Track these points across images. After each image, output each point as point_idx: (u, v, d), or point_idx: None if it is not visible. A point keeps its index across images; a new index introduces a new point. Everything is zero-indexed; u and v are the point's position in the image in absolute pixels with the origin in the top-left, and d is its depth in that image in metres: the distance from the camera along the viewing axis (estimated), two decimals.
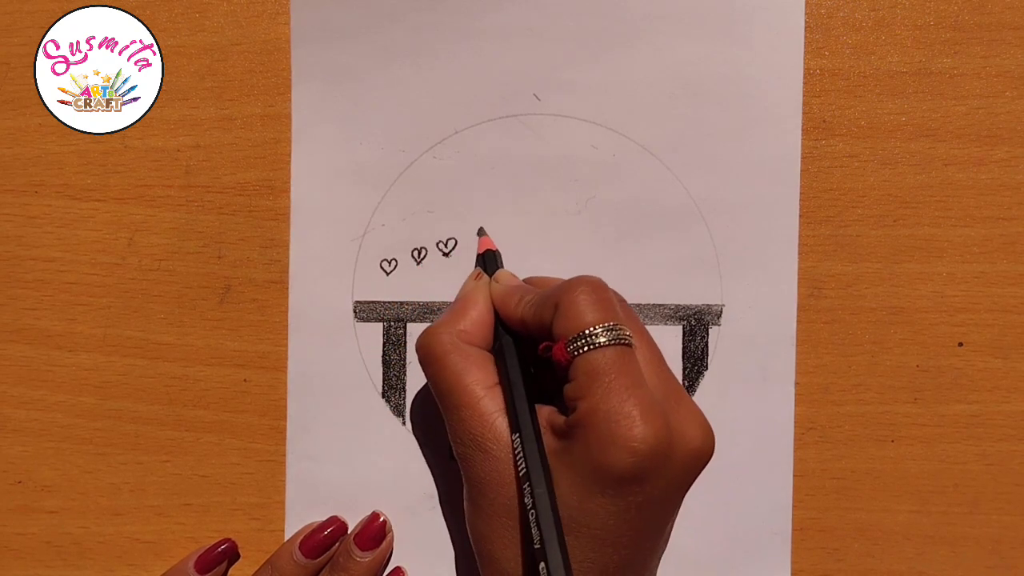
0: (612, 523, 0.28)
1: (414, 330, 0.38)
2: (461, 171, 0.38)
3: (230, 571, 0.38)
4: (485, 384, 0.31)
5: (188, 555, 0.37)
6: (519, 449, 0.29)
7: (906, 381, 0.38)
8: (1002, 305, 0.38)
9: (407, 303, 0.38)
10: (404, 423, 0.38)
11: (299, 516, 0.38)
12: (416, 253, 0.38)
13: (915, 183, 0.38)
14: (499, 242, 0.38)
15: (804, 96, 0.37)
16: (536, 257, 0.38)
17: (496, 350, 0.33)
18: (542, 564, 0.27)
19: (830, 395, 0.38)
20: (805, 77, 0.37)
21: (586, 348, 0.29)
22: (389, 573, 0.38)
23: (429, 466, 0.38)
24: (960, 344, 0.38)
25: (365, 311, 0.38)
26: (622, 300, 0.33)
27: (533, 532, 0.27)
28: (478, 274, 0.35)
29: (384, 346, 0.38)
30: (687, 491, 0.30)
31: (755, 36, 0.37)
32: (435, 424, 0.38)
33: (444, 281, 0.38)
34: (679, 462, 0.29)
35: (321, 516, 0.38)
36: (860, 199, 0.38)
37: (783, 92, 0.37)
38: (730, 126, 0.37)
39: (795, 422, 0.38)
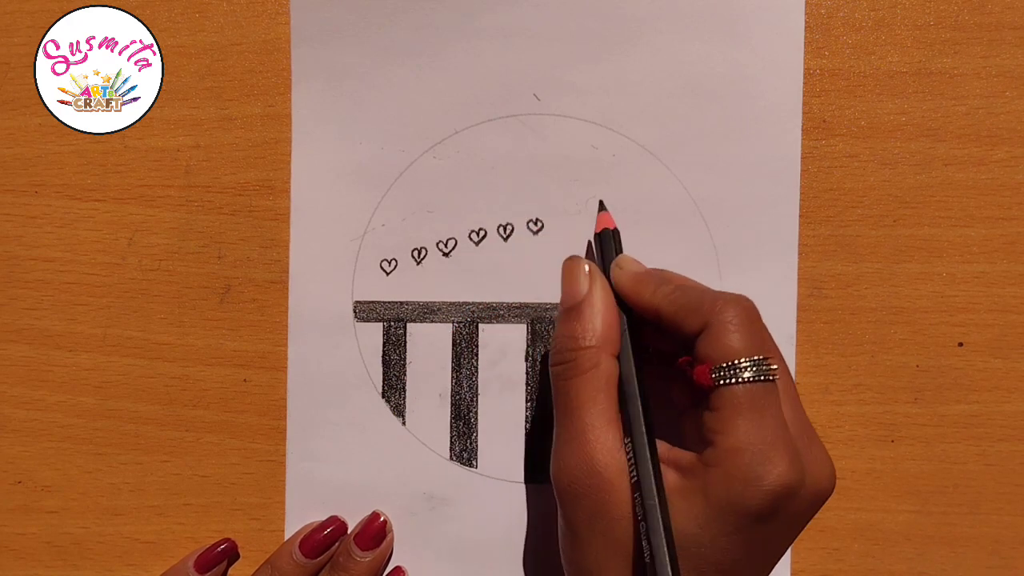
0: (739, 557, 0.28)
1: (414, 330, 0.38)
2: (461, 171, 0.38)
3: (230, 571, 0.38)
4: (608, 416, 0.30)
5: (188, 555, 0.37)
6: (637, 489, 0.29)
7: (906, 381, 0.38)
8: (1002, 305, 0.38)
9: (407, 303, 0.38)
10: (404, 423, 0.38)
11: (299, 516, 0.38)
12: (416, 253, 0.38)
13: (915, 183, 0.38)
14: (500, 243, 0.38)
15: (804, 96, 0.37)
16: (536, 258, 0.38)
17: (624, 373, 0.31)
18: None
19: (830, 395, 0.38)
20: (805, 77, 0.37)
21: (733, 380, 0.28)
22: (389, 573, 0.38)
23: (429, 466, 0.38)
24: (960, 344, 0.38)
25: (365, 311, 0.38)
26: (767, 329, 0.31)
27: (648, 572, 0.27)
28: (591, 270, 0.32)
29: (384, 346, 0.38)
30: (805, 527, 0.30)
31: (755, 36, 0.37)
32: (435, 424, 0.38)
33: (444, 281, 0.38)
34: (807, 501, 0.29)
35: (321, 516, 0.38)
36: (860, 199, 0.38)
37: (783, 92, 0.37)
38: (730, 126, 0.37)
39: None
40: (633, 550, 0.29)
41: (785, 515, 0.28)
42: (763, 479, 0.27)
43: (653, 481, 0.29)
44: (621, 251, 0.34)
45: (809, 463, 0.29)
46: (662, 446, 0.30)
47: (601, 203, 0.36)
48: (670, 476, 0.29)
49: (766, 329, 0.31)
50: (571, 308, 0.32)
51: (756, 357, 0.28)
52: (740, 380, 0.28)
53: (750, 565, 0.29)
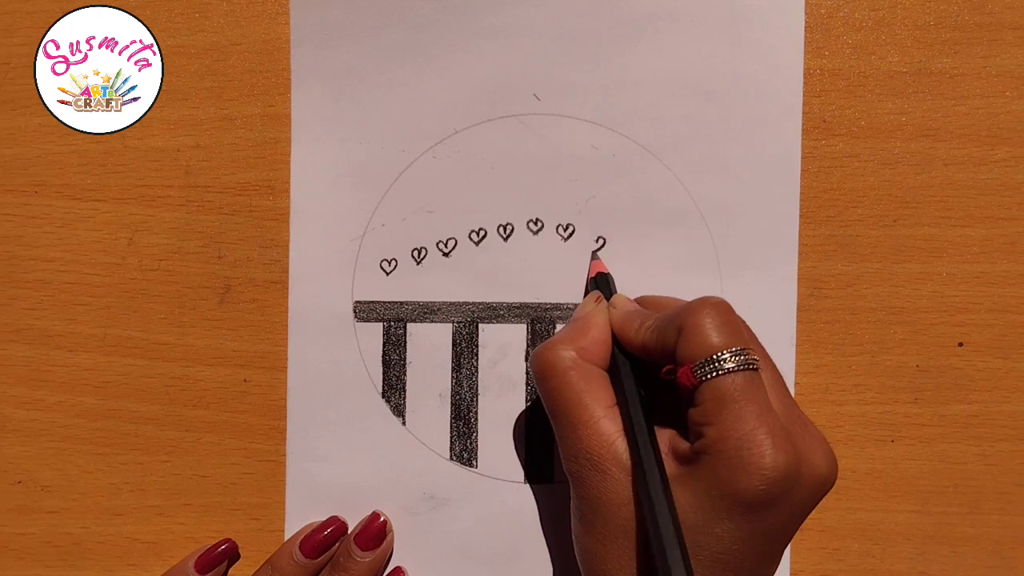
0: (736, 547, 0.28)
1: (414, 330, 0.38)
2: (461, 171, 0.38)
3: (230, 571, 0.38)
4: (605, 404, 0.31)
5: (188, 555, 0.37)
6: (641, 472, 0.29)
7: (906, 381, 0.38)
8: (1002, 305, 0.38)
9: (407, 303, 0.38)
10: (404, 423, 0.38)
11: (299, 516, 0.38)
12: (416, 253, 0.38)
13: (915, 183, 0.38)
14: (500, 243, 0.38)
15: (804, 96, 0.37)
16: (536, 258, 0.38)
17: (613, 372, 0.33)
18: None
19: (830, 395, 0.38)
20: (805, 77, 0.37)
21: (714, 373, 0.28)
22: (389, 573, 0.38)
23: (429, 466, 0.38)
24: (960, 344, 0.38)
25: (365, 311, 0.38)
26: (743, 322, 0.32)
27: (658, 558, 0.27)
28: (598, 297, 0.35)
29: (384, 346, 0.38)
30: (808, 515, 0.30)
31: (755, 36, 0.37)
32: (435, 424, 0.38)
33: (444, 281, 0.38)
34: (805, 488, 0.29)
35: (321, 516, 0.38)
36: (860, 199, 0.38)
37: (783, 92, 0.37)
38: (730, 126, 0.37)
39: None
40: (636, 535, 0.30)
41: (784, 504, 0.28)
42: (750, 464, 0.27)
43: (656, 467, 0.29)
44: (615, 292, 0.36)
45: (804, 450, 0.29)
46: (665, 435, 0.31)
47: (594, 252, 0.38)
48: (669, 465, 0.30)
49: (742, 323, 0.31)
50: (574, 319, 0.34)
51: (734, 348, 0.29)
52: (721, 372, 0.28)
53: (752, 556, 0.29)
